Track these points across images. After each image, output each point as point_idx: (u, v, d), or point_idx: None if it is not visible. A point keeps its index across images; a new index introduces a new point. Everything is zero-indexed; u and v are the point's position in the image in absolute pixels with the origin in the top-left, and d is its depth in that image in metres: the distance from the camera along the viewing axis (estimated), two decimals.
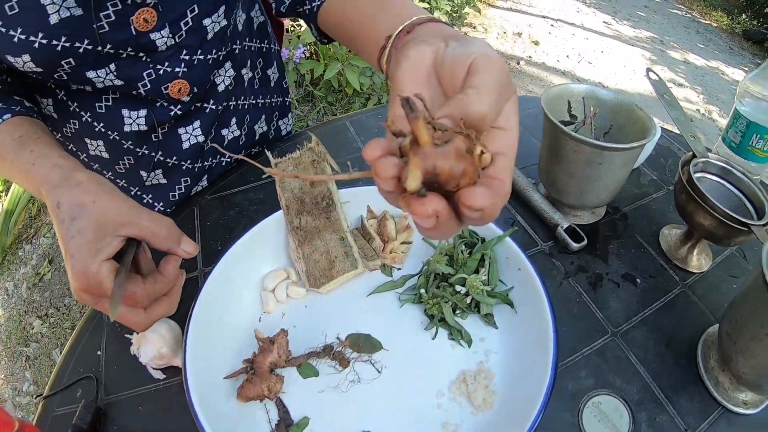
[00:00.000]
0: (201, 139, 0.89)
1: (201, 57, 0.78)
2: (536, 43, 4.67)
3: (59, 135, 0.83)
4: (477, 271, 0.73)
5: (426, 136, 0.30)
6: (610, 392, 0.66)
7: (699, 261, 0.85)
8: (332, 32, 0.80)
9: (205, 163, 0.94)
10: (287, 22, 3.36)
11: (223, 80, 0.86)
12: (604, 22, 5.55)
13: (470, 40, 0.42)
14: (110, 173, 0.88)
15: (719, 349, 0.69)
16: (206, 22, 0.75)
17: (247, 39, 0.91)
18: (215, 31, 0.77)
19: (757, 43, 6.01)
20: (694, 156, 0.82)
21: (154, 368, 0.68)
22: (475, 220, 0.33)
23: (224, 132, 0.94)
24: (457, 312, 0.71)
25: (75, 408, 0.64)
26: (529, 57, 4.45)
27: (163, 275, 0.58)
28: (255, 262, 0.76)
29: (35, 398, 1.89)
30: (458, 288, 0.71)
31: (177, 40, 0.73)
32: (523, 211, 0.90)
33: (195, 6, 0.72)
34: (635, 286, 0.80)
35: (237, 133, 0.97)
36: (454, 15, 4.33)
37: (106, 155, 0.84)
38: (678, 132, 1.13)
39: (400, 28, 0.56)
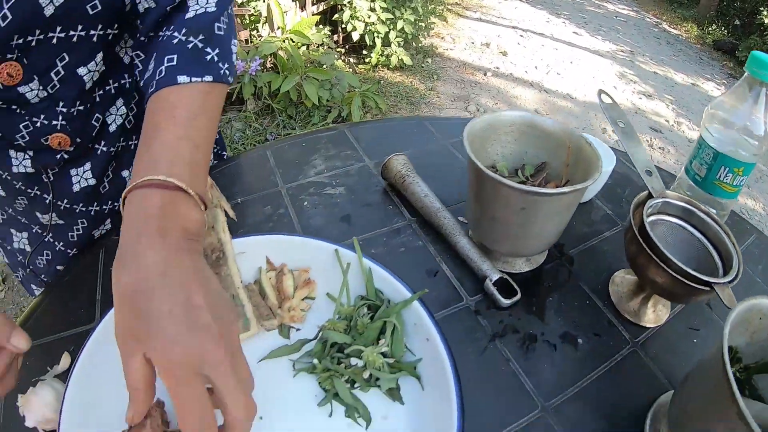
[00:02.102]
0: (92, 182, 0.80)
1: (81, 108, 0.71)
2: (504, 53, 4.60)
3: None
4: (378, 340, 0.61)
5: None
6: None
7: (655, 314, 0.73)
8: None
9: (104, 207, 0.86)
10: (244, 34, 3.25)
11: (115, 119, 0.78)
12: (574, 32, 5.51)
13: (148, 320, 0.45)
14: (11, 209, 0.83)
15: (670, 425, 0.58)
16: (81, 71, 0.68)
17: None
18: (94, 80, 0.71)
19: (726, 53, 6.03)
20: (649, 196, 0.71)
21: (45, 430, 0.59)
22: None
23: (124, 174, 0.86)
24: (357, 385, 0.60)
25: None
26: (497, 68, 4.38)
27: None
28: None
29: None
30: (354, 360, 0.59)
31: (50, 91, 0.66)
32: (450, 259, 0.78)
33: (65, 55, 0.65)
34: (575, 348, 0.68)
35: None
36: (421, 24, 4.24)
37: (2, 192, 0.79)
38: (673, 124, 1.01)
39: (123, 194, 0.54)
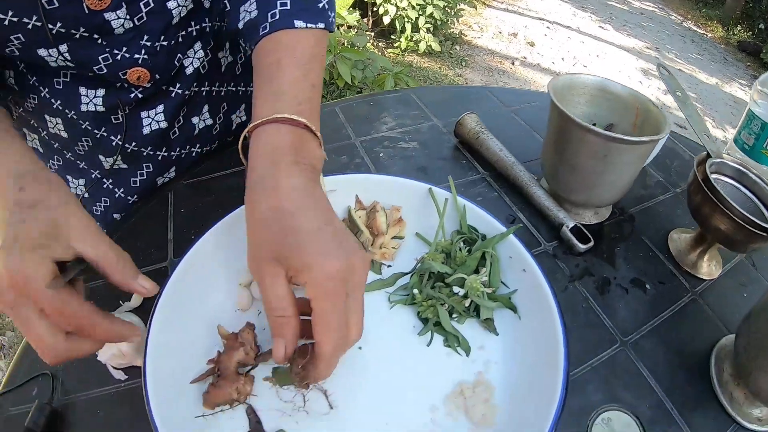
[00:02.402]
0: (164, 125, 0.81)
1: (164, 43, 0.71)
2: (531, 44, 4.63)
3: (21, 109, 0.77)
4: (477, 271, 0.66)
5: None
6: (620, 407, 0.60)
7: (709, 267, 0.79)
8: None
9: (172, 153, 0.86)
10: None
11: (192, 62, 0.79)
12: (600, 27, 5.53)
13: (305, 237, 0.47)
14: (70, 154, 0.82)
15: (734, 364, 0.64)
16: (171, 5, 0.69)
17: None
18: (182, 15, 0.71)
19: (751, 54, 6.02)
20: (708, 156, 0.76)
21: (114, 368, 0.60)
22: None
23: (194, 120, 0.86)
24: (454, 316, 0.64)
25: (29, 408, 0.56)
26: (524, 58, 4.41)
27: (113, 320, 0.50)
28: (229, 253, 0.66)
29: None
30: (456, 289, 0.64)
31: (136, 22, 0.66)
32: (525, 209, 0.84)
33: None
34: (644, 292, 0.74)
35: (210, 121, 0.89)
36: (449, 11, 4.27)
37: (64, 134, 0.78)
38: (683, 134, 1.10)
39: (244, 132, 0.57)
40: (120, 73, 0.70)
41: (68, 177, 0.85)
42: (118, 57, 0.68)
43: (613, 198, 0.80)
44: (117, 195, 0.87)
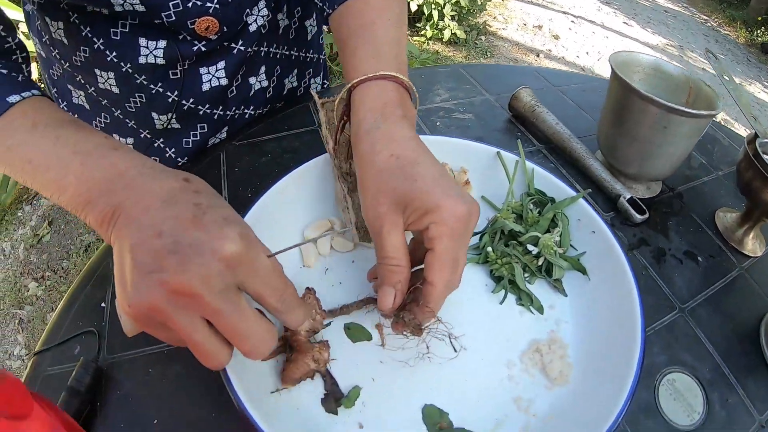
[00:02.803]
0: (224, 82, 0.80)
1: None
2: (556, 37, 4.62)
3: (67, 64, 0.75)
4: (548, 232, 0.68)
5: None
6: (683, 370, 0.62)
7: (754, 245, 0.82)
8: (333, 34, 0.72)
9: (227, 112, 0.86)
10: None
11: (256, 20, 0.78)
12: (624, 23, 5.50)
13: (433, 180, 0.49)
14: (119, 111, 0.80)
15: None
16: None
17: None
18: None
19: None
20: (756, 136, 0.79)
21: None
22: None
23: (251, 80, 0.86)
24: (525, 275, 0.66)
25: (71, 367, 0.54)
26: (549, 50, 4.41)
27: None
28: (294, 209, 0.67)
29: (26, 359, 1.82)
30: (530, 248, 0.66)
31: None
32: (581, 181, 0.86)
33: None
34: (697, 264, 0.76)
35: (265, 83, 0.89)
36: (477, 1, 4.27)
37: (116, 90, 0.76)
38: (722, 123, 1.12)
39: (347, 87, 0.59)
40: (189, 22, 0.68)
41: (115, 136, 0.82)
42: (189, 4, 0.67)
43: (666, 172, 0.82)
44: (167, 155, 0.86)
